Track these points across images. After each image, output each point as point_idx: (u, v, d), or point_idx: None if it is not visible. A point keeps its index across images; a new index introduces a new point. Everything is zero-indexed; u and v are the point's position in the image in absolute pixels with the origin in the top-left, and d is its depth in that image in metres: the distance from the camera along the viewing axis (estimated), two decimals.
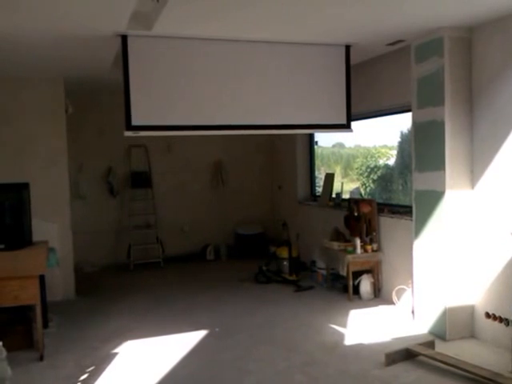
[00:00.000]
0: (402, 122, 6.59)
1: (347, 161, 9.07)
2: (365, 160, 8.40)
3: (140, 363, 4.65)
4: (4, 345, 4.10)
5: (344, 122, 5.60)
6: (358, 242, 6.29)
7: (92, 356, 4.81)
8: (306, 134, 8.63)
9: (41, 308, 4.75)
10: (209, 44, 5.04)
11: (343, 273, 6.41)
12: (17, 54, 5.36)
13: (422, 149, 5.18)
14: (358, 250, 6.29)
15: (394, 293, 5.95)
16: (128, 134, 4.89)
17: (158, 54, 4.93)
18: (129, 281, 7.86)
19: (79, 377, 4.36)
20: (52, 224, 6.64)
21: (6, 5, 3.77)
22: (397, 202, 6.91)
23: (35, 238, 5.65)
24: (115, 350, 4.94)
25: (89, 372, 4.45)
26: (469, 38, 4.84)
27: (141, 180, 8.88)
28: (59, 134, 6.80)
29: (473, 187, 4.91)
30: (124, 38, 4.73)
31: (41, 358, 4.70)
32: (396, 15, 4.46)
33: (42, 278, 5.11)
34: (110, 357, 4.78)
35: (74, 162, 7.74)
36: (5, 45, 4.93)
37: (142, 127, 4.92)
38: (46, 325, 5.29)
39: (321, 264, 7.08)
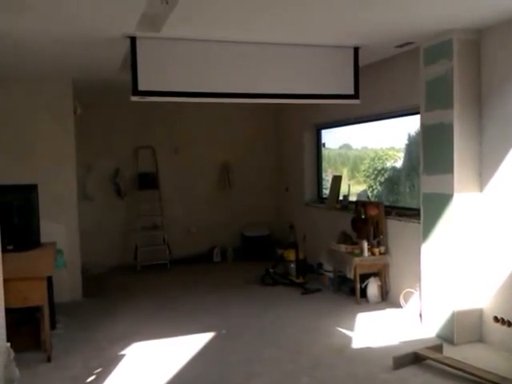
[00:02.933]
0: (410, 125, 6.57)
1: (354, 163, 9.05)
2: (372, 162, 8.37)
3: (147, 365, 4.65)
4: (12, 346, 4.12)
5: (351, 92, 5.59)
6: (365, 244, 6.27)
7: (99, 357, 4.81)
8: (313, 135, 8.65)
9: (48, 309, 4.76)
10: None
11: (350, 276, 6.38)
12: (26, 55, 5.38)
13: (431, 152, 5.16)
14: (366, 253, 6.27)
15: (401, 296, 5.92)
16: (134, 99, 4.88)
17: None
18: (136, 282, 7.87)
19: (87, 378, 4.37)
20: (60, 225, 6.66)
21: (16, 7, 3.79)
22: (404, 204, 6.88)
23: (43, 239, 5.67)
24: (122, 352, 4.94)
25: (96, 373, 4.45)
26: (478, 41, 4.82)
27: (148, 181, 8.89)
28: (68, 135, 6.83)
29: (481, 190, 4.88)
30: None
31: (48, 359, 4.71)
32: (405, 18, 4.45)
33: (49, 280, 5.13)
34: (117, 358, 4.79)
35: (81, 164, 7.76)
36: (14, 46, 4.95)
37: (148, 92, 4.90)
38: (53, 326, 5.30)
39: (328, 266, 7.06)
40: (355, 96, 5.61)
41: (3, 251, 4.33)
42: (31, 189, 5.51)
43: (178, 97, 5.11)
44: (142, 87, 4.83)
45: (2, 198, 4.26)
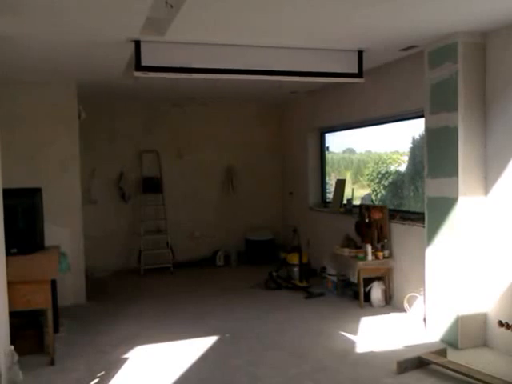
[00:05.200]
0: (414, 128, 6.56)
1: (358, 167, 9.05)
2: (376, 166, 8.37)
3: (150, 368, 4.64)
4: (15, 349, 4.14)
5: (355, 70, 5.53)
6: (369, 248, 6.26)
7: (103, 361, 4.81)
8: (317, 139, 8.65)
9: (52, 312, 4.77)
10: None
11: (354, 280, 6.37)
12: (30, 58, 5.41)
13: (435, 155, 5.15)
14: (369, 257, 6.25)
15: (405, 300, 5.90)
16: (137, 74, 4.86)
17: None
18: (139, 286, 7.86)
19: (90, 381, 4.36)
20: (64, 229, 6.66)
21: (22, 10, 3.81)
22: (408, 208, 6.86)
23: (47, 242, 5.67)
24: (126, 355, 4.94)
25: (99, 377, 4.45)
26: (483, 44, 4.81)
27: (152, 185, 8.90)
28: (72, 140, 6.84)
29: (486, 194, 4.87)
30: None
31: (52, 363, 4.71)
32: (409, 21, 4.45)
33: (53, 283, 5.13)
34: (120, 362, 4.78)
35: (86, 167, 7.77)
36: (18, 49, 4.97)
37: (151, 68, 4.88)
38: (56, 329, 5.30)
39: (331, 270, 7.04)
40: (359, 75, 5.55)
41: (7, 254, 4.35)
42: (35, 192, 5.50)
43: (180, 72, 5.05)
44: (145, 63, 4.81)
45: (6, 201, 4.25)
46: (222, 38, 4.87)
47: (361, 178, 8.83)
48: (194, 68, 5.05)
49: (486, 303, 4.90)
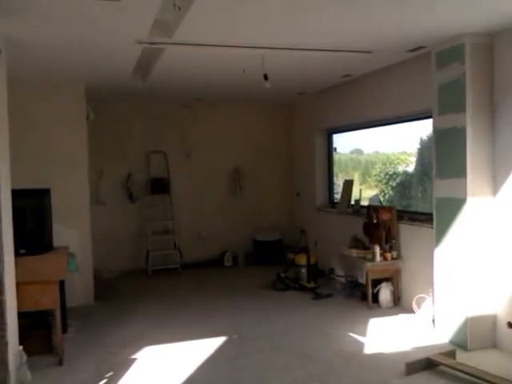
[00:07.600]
0: (422, 129, 6.54)
1: (365, 167, 9.02)
2: (383, 167, 8.35)
3: (158, 369, 4.65)
4: (24, 349, 4.16)
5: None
6: (377, 249, 6.24)
7: (110, 361, 4.82)
8: (324, 140, 8.65)
9: (60, 313, 4.79)
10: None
11: (362, 281, 6.35)
12: (38, 59, 5.43)
13: (443, 156, 5.12)
14: (378, 258, 6.23)
15: (413, 301, 5.88)
16: (144, 44, 4.83)
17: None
18: (147, 287, 7.88)
19: (98, 382, 4.38)
20: (72, 230, 6.68)
21: (31, 11, 3.82)
22: (416, 209, 6.84)
23: (55, 243, 5.70)
24: (133, 356, 4.95)
25: (107, 377, 4.46)
26: (490, 44, 4.79)
27: (160, 186, 8.91)
28: (80, 140, 6.87)
29: (494, 194, 4.84)
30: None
31: (60, 363, 4.73)
32: (417, 22, 4.44)
33: (61, 284, 5.15)
34: (128, 362, 4.79)
35: (94, 168, 7.81)
36: (27, 50, 4.99)
37: (159, 42, 4.84)
38: (65, 330, 5.32)
39: (339, 271, 7.02)
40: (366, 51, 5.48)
41: (16, 255, 4.37)
42: (44, 193, 5.54)
43: (185, 44, 4.96)
44: None
45: (15, 202, 4.28)
46: (228, 40, 4.87)
47: (368, 179, 8.80)
48: (202, 43, 4.96)
49: (495, 304, 4.87)
